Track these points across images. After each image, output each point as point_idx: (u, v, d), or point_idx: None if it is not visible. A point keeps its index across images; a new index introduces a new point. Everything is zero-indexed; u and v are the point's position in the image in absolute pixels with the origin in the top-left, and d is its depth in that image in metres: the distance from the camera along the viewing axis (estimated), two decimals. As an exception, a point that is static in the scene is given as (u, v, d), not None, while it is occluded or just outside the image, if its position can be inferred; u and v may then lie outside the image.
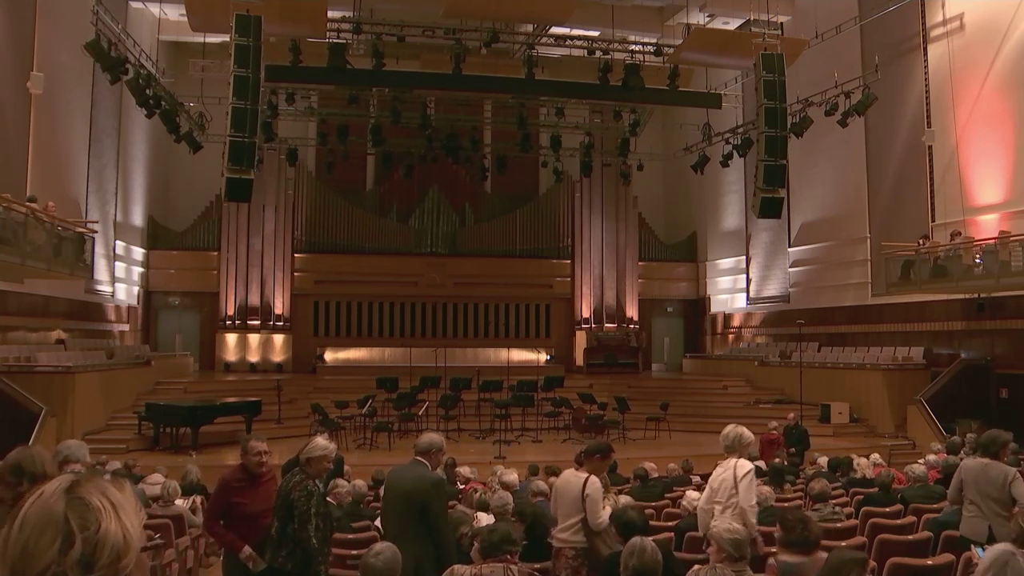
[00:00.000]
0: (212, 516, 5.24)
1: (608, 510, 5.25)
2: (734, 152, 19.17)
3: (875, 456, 10.31)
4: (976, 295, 15.28)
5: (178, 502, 7.64)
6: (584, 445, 5.98)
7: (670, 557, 5.09)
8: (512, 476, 7.67)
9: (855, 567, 3.35)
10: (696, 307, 25.77)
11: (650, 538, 4.37)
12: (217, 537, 5.23)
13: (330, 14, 15.02)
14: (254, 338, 22.74)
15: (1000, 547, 3.06)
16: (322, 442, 5.06)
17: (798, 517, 4.14)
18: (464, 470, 9.71)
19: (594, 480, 5.33)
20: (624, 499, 5.88)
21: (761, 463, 10.73)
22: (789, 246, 21.25)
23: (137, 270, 21.89)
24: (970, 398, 15.15)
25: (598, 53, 16.89)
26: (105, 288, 19.31)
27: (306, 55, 15.89)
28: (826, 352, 18.92)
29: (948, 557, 5.27)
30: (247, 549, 4.98)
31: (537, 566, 4.99)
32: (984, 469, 5.81)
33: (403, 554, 4.39)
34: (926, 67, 16.73)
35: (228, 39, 12.82)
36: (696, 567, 3.85)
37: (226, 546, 5.14)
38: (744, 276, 23.26)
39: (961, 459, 8.80)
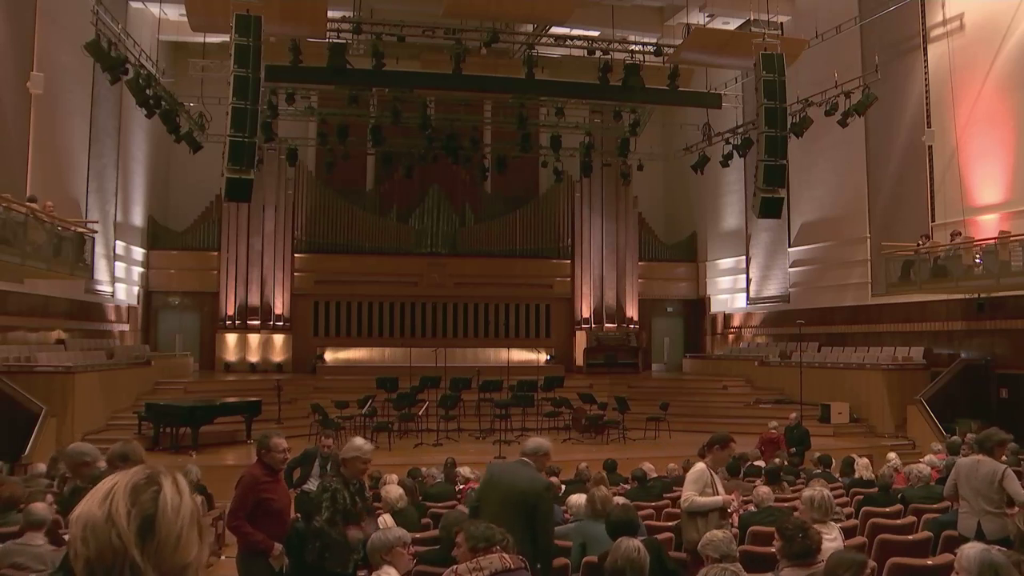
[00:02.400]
0: (239, 515, 4.97)
1: (692, 494, 5.48)
2: (734, 152, 19.17)
3: (892, 456, 10.14)
4: (976, 295, 15.28)
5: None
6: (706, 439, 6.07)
7: (667, 557, 5.11)
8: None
9: (853, 568, 3.35)
10: (696, 307, 25.76)
11: (643, 538, 4.37)
12: (245, 536, 4.96)
13: (330, 14, 15.03)
14: (254, 338, 22.74)
15: (976, 552, 3.07)
16: (358, 442, 5.13)
17: (796, 525, 4.02)
18: (464, 470, 9.72)
19: (698, 466, 5.65)
20: (618, 500, 5.89)
21: (761, 463, 10.76)
22: (789, 246, 21.24)
23: (137, 270, 21.89)
24: (970, 398, 15.14)
25: (598, 53, 16.89)
26: (105, 288, 19.30)
27: (306, 55, 15.90)
28: (826, 352, 18.91)
29: (948, 557, 5.26)
30: (279, 546, 4.95)
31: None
32: (976, 466, 5.84)
33: None
34: (926, 67, 16.73)
35: (228, 39, 12.83)
36: (705, 568, 3.85)
37: (254, 545, 4.94)
38: (744, 276, 23.25)
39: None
